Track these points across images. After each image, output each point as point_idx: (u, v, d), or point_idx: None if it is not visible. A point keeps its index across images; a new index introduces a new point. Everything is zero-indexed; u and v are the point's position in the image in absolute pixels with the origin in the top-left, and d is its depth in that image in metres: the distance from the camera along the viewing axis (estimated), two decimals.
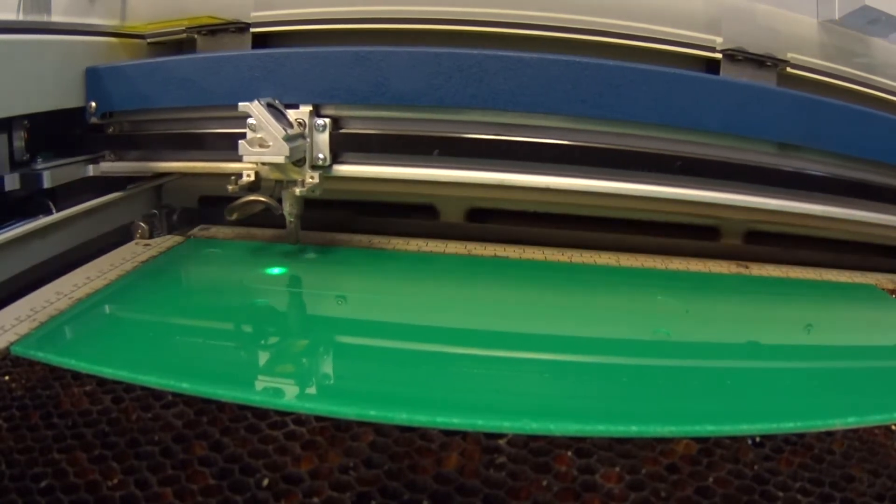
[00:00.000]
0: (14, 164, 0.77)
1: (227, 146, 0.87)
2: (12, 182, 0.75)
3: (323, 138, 0.81)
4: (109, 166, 0.89)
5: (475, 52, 0.79)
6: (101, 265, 0.80)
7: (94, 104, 0.85)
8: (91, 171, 0.86)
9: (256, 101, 0.74)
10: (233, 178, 0.79)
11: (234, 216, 0.82)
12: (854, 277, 0.92)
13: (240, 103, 0.74)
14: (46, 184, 0.78)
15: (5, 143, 0.75)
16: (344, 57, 0.81)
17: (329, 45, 0.86)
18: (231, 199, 1.00)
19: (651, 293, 0.82)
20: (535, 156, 0.82)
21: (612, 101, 0.79)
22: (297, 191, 0.80)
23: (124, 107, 0.87)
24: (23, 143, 0.78)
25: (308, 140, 0.80)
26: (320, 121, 0.81)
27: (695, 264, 0.90)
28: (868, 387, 0.63)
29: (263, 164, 0.76)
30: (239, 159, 0.86)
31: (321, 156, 0.81)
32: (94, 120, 0.86)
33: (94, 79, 0.85)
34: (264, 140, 0.73)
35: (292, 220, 0.84)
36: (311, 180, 0.80)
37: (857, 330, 0.79)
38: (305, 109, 0.80)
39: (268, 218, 0.98)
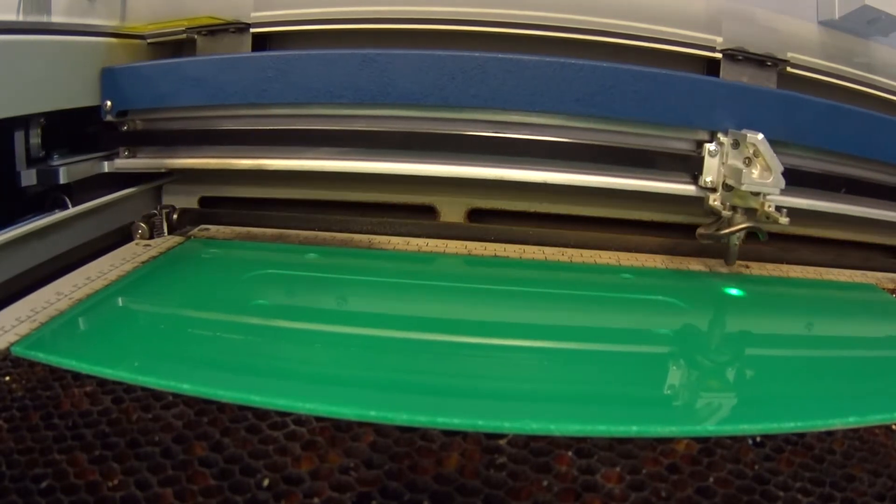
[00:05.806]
0: (30, 161, 0.78)
1: (239, 142, 0.90)
2: (29, 178, 0.77)
3: None
4: (124, 163, 0.90)
5: (476, 53, 0.80)
6: (102, 265, 0.80)
7: (109, 103, 0.87)
8: (106, 167, 0.88)
9: (761, 135, 0.77)
10: (713, 205, 0.84)
11: (707, 242, 0.86)
12: (855, 277, 0.92)
13: (748, 133, 0.78)
14: (62, 179, 0.79)
15: (22, 141, 0.77)
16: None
17: (339, 47, 0.87)
18: (229, 199, 1.01)
19: (651, 293, 0.82)
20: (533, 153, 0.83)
21: (605, 100, 0.80)
22: (782, 220, 0.78)
23: (140, 105, 0.89)
24: (38, 140, 0.79)
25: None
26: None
27: (696, 264, 0.90)
28: (868, 387, 0.63)
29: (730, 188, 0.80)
30: (246, 156, 0.89)
31: None
32: (109, 118, 0.88)
33: (109, 79, 0.87)
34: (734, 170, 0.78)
35: (737, 243, 0.86)
36: (770, 209, 0.79)
37: (857, 330, 0.78)
38: (756, 137, 0.79)
39: (267, 219, 0.99)
